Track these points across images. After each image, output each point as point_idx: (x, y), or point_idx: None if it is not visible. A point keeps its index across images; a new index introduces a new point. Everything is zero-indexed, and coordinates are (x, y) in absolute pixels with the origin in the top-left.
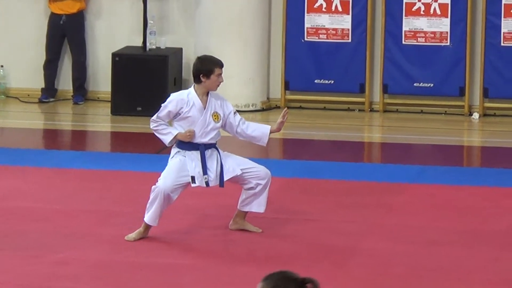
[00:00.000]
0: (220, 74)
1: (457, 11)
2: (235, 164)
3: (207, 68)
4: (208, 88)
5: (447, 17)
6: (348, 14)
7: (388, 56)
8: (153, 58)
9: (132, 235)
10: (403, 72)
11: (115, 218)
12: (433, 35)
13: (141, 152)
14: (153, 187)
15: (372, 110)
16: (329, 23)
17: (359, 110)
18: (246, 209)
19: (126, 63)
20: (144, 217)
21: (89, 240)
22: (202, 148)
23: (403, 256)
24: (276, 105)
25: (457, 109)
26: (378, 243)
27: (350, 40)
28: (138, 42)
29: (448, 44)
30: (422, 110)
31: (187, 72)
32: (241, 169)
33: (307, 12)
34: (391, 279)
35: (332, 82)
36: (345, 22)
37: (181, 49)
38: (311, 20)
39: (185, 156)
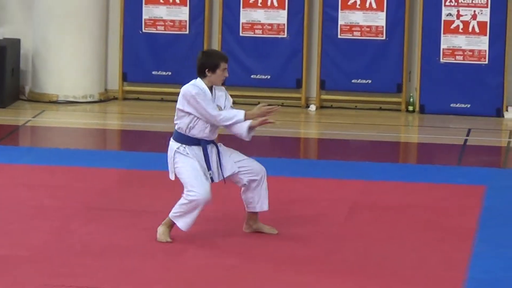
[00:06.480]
0: (226, 68)
1: (294, 3)
2: (231, 161)
3: (214, 63)
4: (213, 82)
5: (284, 9)
6: (186, 5)
7: (226, 48)
8: None
9: (165, 238)
10: (241, 64)
11: None
12: (270, 27)
13: None
14: (189, 198)
15: None
16: (166, 14)
17: None
18: (251, 209)
19: None
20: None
21: None
22: (204, 143)
23: (235, 246)
24: (114, 97)
25: (294, 101)
26: (214, 236)
27: (187, 32)
28: None
29: (285, 36)
30: (259, 102)
31: (25, 63)
32: (238, 166)
33: (145, 4)
34: (222, 271)
35: (170, 73)
36: (182, 13)
37: (19, 40)
38: (148, 12)
39: (188, 153)
